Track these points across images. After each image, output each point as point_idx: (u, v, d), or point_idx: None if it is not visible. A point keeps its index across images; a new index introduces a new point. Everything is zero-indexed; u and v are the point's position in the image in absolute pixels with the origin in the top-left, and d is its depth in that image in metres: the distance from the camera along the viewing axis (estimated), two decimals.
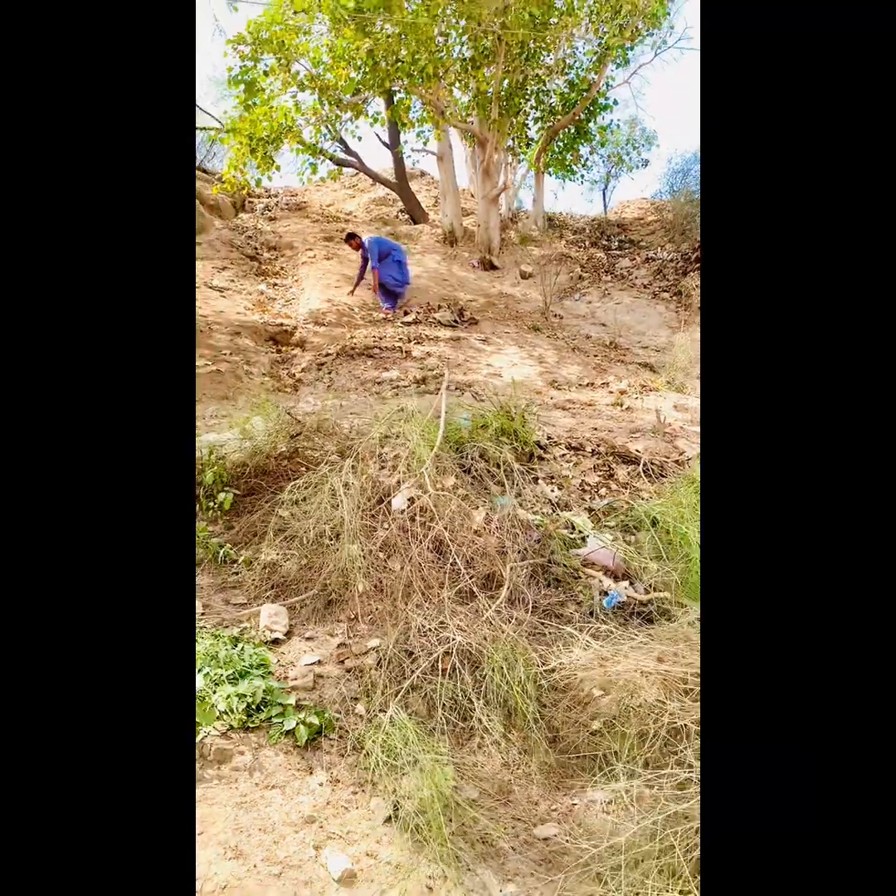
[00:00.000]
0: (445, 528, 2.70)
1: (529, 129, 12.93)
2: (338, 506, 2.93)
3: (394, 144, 13.49)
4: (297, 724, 2.04)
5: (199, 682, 2.08)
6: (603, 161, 15.71)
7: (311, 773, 1.95)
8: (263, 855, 1.67)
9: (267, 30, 7.90)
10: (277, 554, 2.96)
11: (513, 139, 12.92)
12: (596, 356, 7.59)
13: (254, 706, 2.09)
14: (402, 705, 2.11)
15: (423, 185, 16.18)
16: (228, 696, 2.05)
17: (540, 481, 3.58)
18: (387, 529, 2.87)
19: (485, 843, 1.77)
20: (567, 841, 1.73)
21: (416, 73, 9.47)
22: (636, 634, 2.14)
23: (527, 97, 12.22)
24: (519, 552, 2.82)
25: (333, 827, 1.78)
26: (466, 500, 3.00)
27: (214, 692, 2.08)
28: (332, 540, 2.89)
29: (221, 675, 2.17)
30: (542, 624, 2.48)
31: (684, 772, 1.62)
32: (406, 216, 14.36)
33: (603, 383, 6.31)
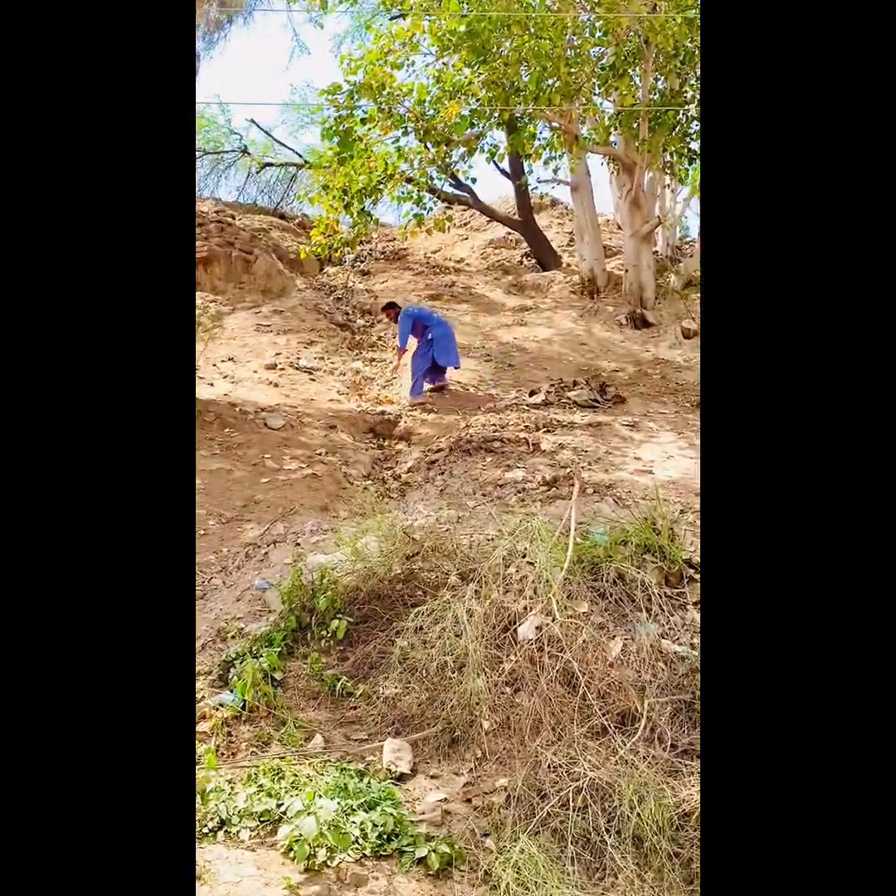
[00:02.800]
0: (576, 660, 3.51)
1: (692, 141, 13.70)
2: (460, 634, 3.80)
3: (516, 175, 14.83)
4: (429, 852, 2.88)
5: (332, 806, 2.96)
6: None
7: None
8: None
9: (364, 69, 9.44)
10: (397, 687, 3.85)
11: (670, 157, 13.58)
12: None
13: (385, 835, 2.95)
14: (533, 839, 2.90)
15: (553, 219, 17.51)
16: (363, 823, 2.92)
17: (690, 607, 4.32)
18: (513, 661, 3.70)
19: None
20: None
21: (542, 96, 10.75)
22: None
23: (685, 106, 13.15)
24: (660, 687, 3.57)
25: None
26: (601, 629, 3.80)
27: (347, 819, 2.96)
28: (454, 672, 3.75)
29: (352, 805, 3.05)
30: (682, 763, 3.21)
31: None
32: (532, 261, 15.59)
33: None
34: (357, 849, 2.89)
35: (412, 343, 9.96)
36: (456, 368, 10.13)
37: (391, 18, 12.89)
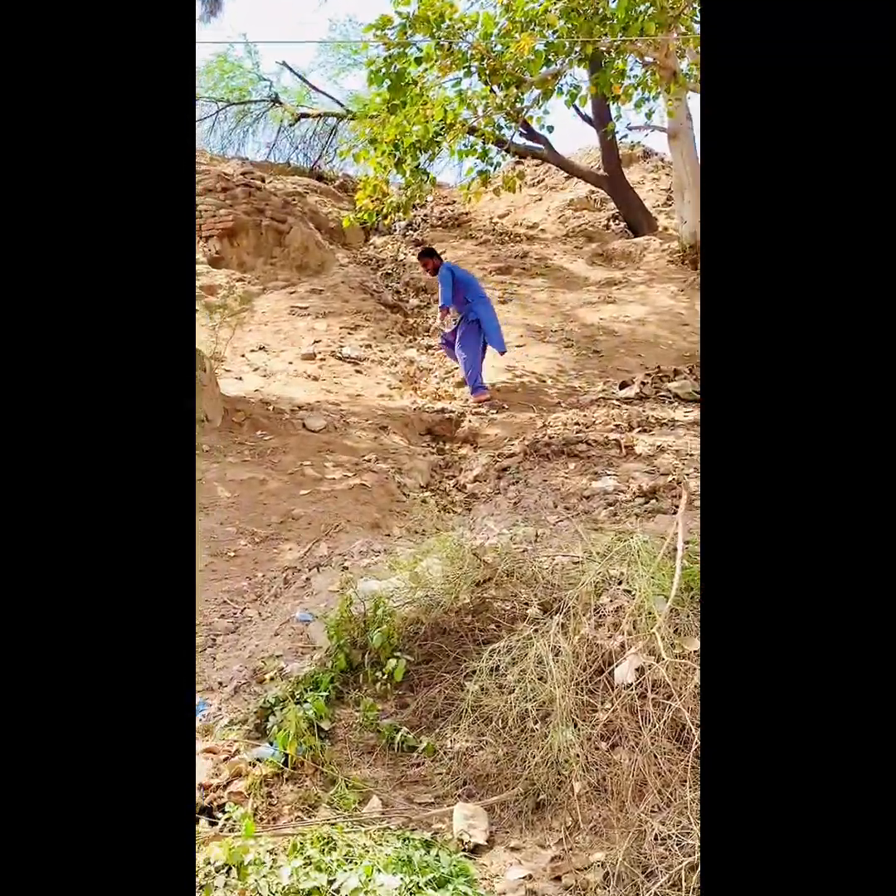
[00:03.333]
0: (688, 709, 3.47)
1: None
2: (544, 677, 3.78)
3: (601, 121, 14.77)
4: None
5: (394, 883, 2.98)
6: None
7: None
8: None
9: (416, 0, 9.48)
10: (468, 741, 3.85)
11: None
12: None
13: None
14: None
15: (647, 173, 17.41)
16: None
17: None
18: (609, 710, 3.68)
19: None
20: None
21: (632, 25, 10.66)
22: None
23: None
24: None
25: None
26: None
27: None
28: (538, 723, 3.74)
29: (417, 882, 3.06)
30: None
31: None
32: (621, 224, 15.52)
33: None
34: None
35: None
36: (503, 354, 10.23)
37: None
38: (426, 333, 12.00)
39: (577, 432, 8.22)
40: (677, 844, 3.12)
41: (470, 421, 9.03)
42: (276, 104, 19.04)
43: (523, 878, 3.24)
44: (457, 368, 10.52)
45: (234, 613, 5.24)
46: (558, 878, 3.26)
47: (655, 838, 3.18)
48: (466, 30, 9.55)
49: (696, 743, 3.39)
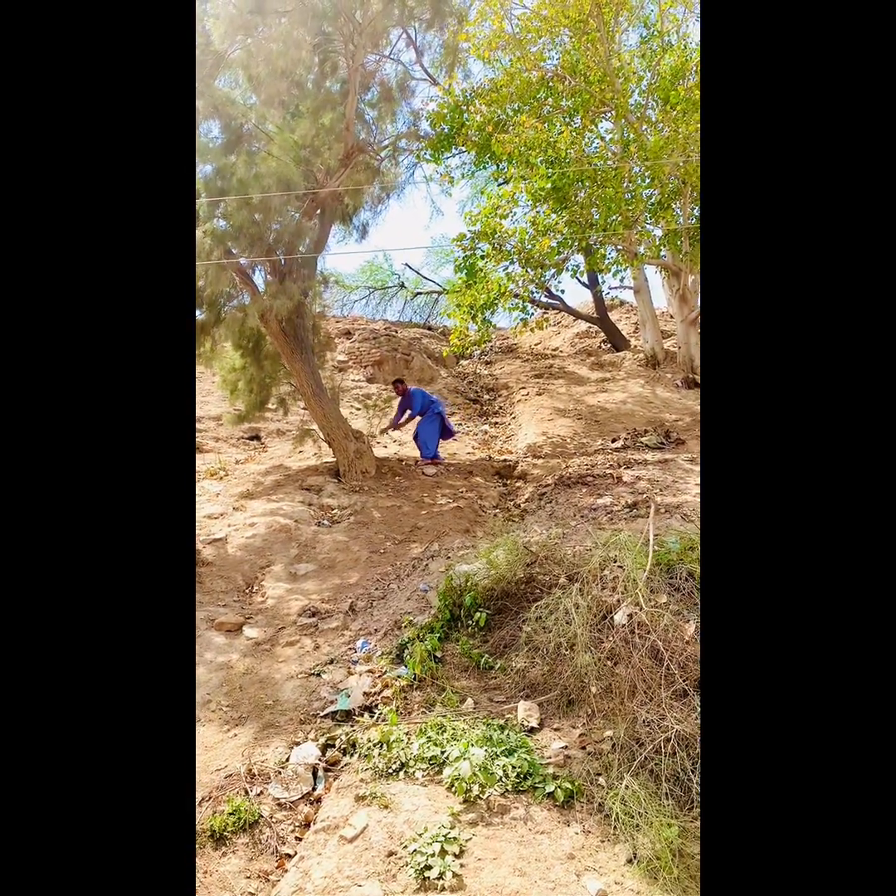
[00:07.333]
0: (660, 639, 3.29)
1: None
2: (570, 622, 3.63)
3: (593, 284, 14.73)
4: (556, 788, 2.71)
5: (481, 753, 2.85)
6: None
7: (567, 824, 2.59)
8: (540, 875, 2.33)
9: (481, 221, 9.56)
10: (525, 662, 3.71)
11: None
12: None
13: (521, 775, 2.81)
14: (634, 778, 2.70)
15: (622, 313, 17.18)
16: (504, 765, 2.79)
17: None
18: (611, 641, 3.51)
19: None
20: None
21: (609, 228, 10.62)
22: None
23: None
24: None
25: (588, 862, 2.40)
26: (677, 615, 3.56)
27: (493, 762, 2.83)
28: (567, 650, 3.59)
29: (496, 752, 2.92)
30: None
31: None
32: (608, 345, 15.33)
33: None
34: (501, 785, 2.77)
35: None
36: (455, 439, 9.58)
37: (498, 184, 13.07)
38: (494, 415, 11.92)
39: (587, 470, 8.02)
40: (657, 726, 2.94)
41: (522, 466, 8.88)
42: (402, 287, 19.33)
43: (562, 748, 3.08)
44: (513, 436, 10.42)
45: (384, 586, 5.18)
46: (584, 748, 3.09)
47: (643, 722, 3.00)
48: (510, 237, 9.57)
49: (668, 661, 3.21)
